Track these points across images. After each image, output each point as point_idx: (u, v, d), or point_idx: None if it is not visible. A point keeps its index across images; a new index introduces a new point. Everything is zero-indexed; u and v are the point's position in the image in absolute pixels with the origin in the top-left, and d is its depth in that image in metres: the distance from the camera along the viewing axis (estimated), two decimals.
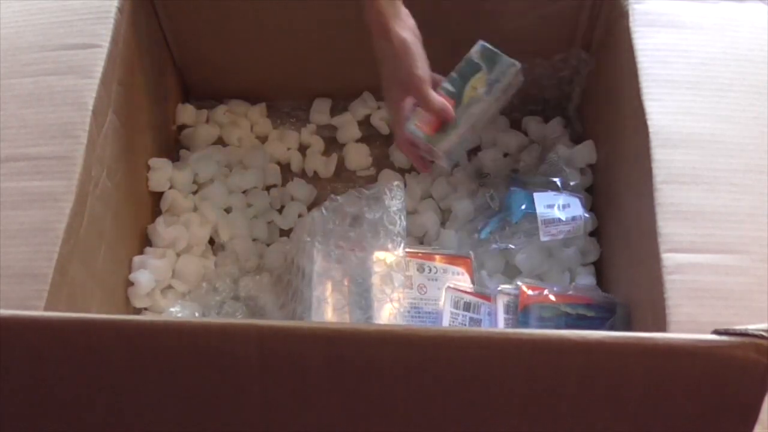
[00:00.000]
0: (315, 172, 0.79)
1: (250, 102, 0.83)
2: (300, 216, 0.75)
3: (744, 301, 0.51)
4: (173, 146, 0.80)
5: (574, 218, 0.68)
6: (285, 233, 0.75)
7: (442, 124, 0.67)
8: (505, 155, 0.79)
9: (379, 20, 0.65)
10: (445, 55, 0.68)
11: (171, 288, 0.71)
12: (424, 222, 0.73)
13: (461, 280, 0.67)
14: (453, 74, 0.68)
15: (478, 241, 0.70)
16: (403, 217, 0.66)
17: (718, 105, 0.59)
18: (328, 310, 0.64)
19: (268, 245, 0.74)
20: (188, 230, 0.72)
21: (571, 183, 0.71)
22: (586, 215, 0.69)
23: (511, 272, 0.70)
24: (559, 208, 0.68)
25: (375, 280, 0.64)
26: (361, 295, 0.64)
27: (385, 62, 0.67)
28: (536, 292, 0.64)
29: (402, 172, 0.78)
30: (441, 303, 0.65)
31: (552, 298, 0.64)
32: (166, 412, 0.46)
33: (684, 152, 0.57)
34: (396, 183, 0.68)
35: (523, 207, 0.69)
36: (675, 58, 0.62)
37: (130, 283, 0.68)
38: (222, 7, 0.75)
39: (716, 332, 0.41)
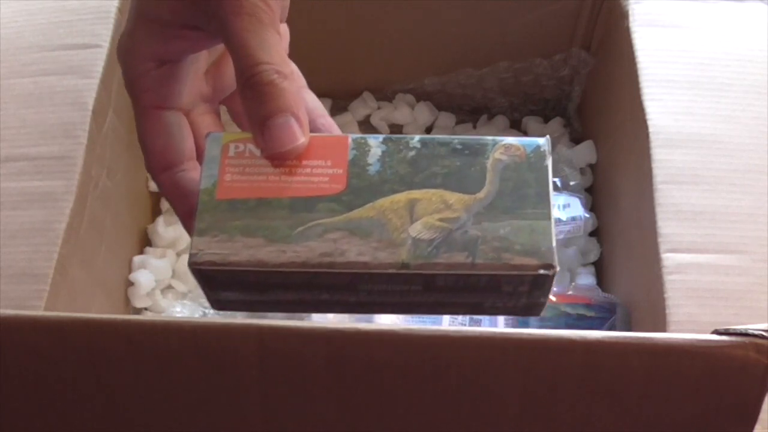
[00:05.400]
0: None
1: None
2: None
3: (744, 301, 0.51)
4: None
5: (574, 218, 0.68)
6: None
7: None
8: None
9: None
10: (444, 58, 0.67)
11: (171, 288, 0.71)
12: None
13: None
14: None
15: None
16: None
17: (718, 105, 0.59)
18: None
19: None
20: None
21: (571, 183, 0.71)
22: (586, 215, 0.69)
23: None
24: (559, 208, 0.68)
25: None
26: None
27: None
28: None
29: None
30: None
31: (552, 298, 0.64)
32: (166, 411, 0.46)
33: (684, 152, 0.57)
34: None
35: None
36: (675, 58, 0.62)
37: (130, 283, 0.68)
38: None
39: (716, 332, 0.41)
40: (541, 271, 0.33)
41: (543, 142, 0.36)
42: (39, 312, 0.50)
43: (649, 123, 0.58)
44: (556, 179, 0.71)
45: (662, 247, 0.53)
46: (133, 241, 0.71)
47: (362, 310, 0.36)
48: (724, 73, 0.61)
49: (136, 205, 0.71)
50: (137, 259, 0.70)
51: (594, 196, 0.74)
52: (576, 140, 0.77)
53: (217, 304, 0.36)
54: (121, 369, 0.44)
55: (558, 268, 0.33)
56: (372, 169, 0.35)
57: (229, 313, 0.69)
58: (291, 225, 0.34)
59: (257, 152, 0.36)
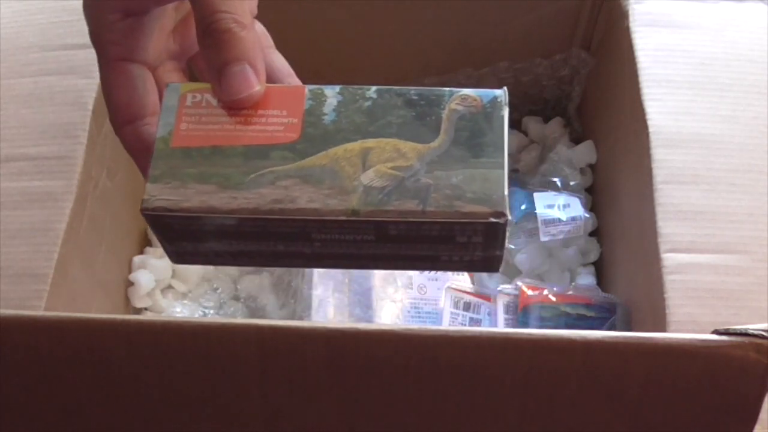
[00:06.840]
0: None
1: None
2: None
3: (744, 301, 0.51)
4: None
5: (574, 218, 0.68)
6: None
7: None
8: None
9: None
10: (444, 58, 0.67)
11: (171, 288, 0.71)
12: None
13: (461, 280, 0.67)
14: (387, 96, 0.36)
15: None
16: None
17: (718, 105, 0.59)
18: (329, 309, 0.64)
19: None
20: None
21: (571, 183, 0.71)
22: (586, 215, 0.69)
23: (511, 272, 0.70)
24: (559, 208, 0.68)
25: (376, 280, 0.64)
26: (363, 294, 0.64)
27: None
28: (536, 292, 0.64)
29: None
30: (441, 303, 0.66)
31: (552, 298, 0.64)
32: (166, 412, 0.46)
33: (684, 152, 0.57)
34: None
35: (523, 207, 0.69)
36: (675, 58, 0.62)
37: (130, 283, 0.68)
38: None
39: (716, 332, 0.41)
40: (492, 219, 0.33)
41: (500, 93, 0.36)
42: (39, 312, 0.50)
43: (649, 123, 0.58)
44: (556, 179, 0.71)
45: (662, 247, 0.53)
46: (133, 241, 0.71)
47: (318, 264, 0.36)
48: (724, 73, 0.61)
49: (136, 205, 0.71)
50: (137, 259, 0.70)
51: (594, 196, 0.74)
52: (576, 140, 0.77)
53: (176, 257, 0.36)
54: (121, 369, 0.44)
55: (510, 217, 0.33)
56: (327, 119, 0.35)
57: (229, 312, 0.69)
58: (244, 172, 0.34)
59: (214, 102, 0.36)
